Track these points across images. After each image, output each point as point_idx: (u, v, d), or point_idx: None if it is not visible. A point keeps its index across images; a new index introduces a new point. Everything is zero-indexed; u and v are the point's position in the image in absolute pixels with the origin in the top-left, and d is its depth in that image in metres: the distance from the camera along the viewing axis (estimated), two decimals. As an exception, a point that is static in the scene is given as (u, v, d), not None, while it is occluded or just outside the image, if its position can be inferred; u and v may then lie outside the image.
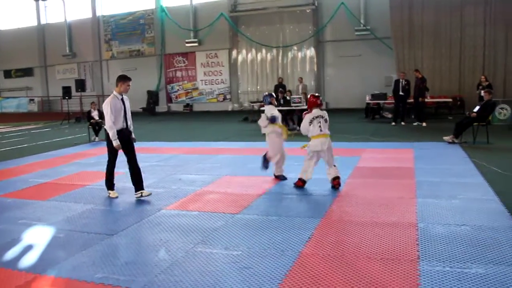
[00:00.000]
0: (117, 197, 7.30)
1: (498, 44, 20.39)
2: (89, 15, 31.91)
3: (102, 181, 8.53)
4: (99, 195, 7.51)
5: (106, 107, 6.99)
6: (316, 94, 7.66)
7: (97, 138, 15.06)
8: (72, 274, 4.36)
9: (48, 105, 34.27)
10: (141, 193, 7.17)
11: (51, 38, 33.24)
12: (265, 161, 8.23)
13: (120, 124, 7.13)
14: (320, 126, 7.20)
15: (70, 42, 32.78)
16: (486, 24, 20.56)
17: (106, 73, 32.04)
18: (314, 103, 7.44)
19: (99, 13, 31.82)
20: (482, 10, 20.51)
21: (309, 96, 7.72)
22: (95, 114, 15.30)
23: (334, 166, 7.25)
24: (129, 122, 7.35)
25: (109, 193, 7.39)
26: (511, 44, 20.26)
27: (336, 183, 7.22)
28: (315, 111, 7.35)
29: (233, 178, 8.49)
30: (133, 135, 7.47)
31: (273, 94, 8.63)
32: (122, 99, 7.19)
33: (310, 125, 7.26)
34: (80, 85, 24.91)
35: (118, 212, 6.53)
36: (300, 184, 7.39)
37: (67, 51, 32.85)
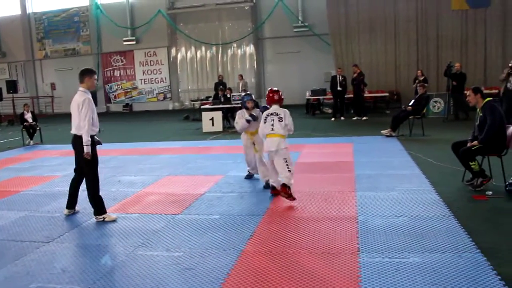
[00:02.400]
0: (116, 219, 6.02)
1: (430, 39, 21.23)
2: (18, 11, 30.45)
3: (37, 186, 8.24)
4: (34, 201, 7.21)
5: (85, 105, 5.95)
6: (275, 89, 6.75)
7: (31, 141, 14.45)
8: (4, 286, 4.15)
9: (-24, 108, 32.57)
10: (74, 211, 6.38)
11: (-23, 37, 31.56)
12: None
13: (96, 128, 6.15)
14: (272, 125, 6.41)
15: (-2, 40, 31.25)
16: (418, 20, 21.36)
17: (40, 73, 30.77)
18: (271, 99, 6.66)
19: (29, 9, 30.45)
20: (414, 6, 21.28)
21: (267, 92, 6.84)
22: (28, 116, 14.69)
23: (289, 171, 6.29)
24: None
25: (104, 217, 5.98)
26: (442, 40, 21.13)
27: (282, 190, 6.24)
28: (273, 108, 6.59)
29: (174, 178, 8.38)
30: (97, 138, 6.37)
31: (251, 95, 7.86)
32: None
33: (264, 122, 6.52)
34: (12, 86, 23.85)
35: (54, 218, 6.27)
36: (275, 191, 6.67)
37: (-4, 50, 31.31)
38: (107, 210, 6.16)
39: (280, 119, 6.42)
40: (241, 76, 20.53)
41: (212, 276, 4.10)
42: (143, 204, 6.70)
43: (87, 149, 5.81)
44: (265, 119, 6.53)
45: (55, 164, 10.54)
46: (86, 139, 5.83)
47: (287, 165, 6.27)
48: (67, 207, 6.34)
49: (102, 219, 5.95)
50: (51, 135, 16.24)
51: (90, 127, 5.89)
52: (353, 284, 3.81)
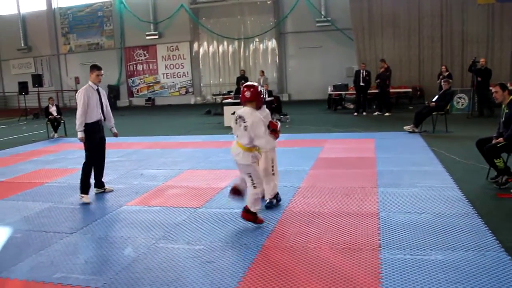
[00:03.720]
0: (90, 203, 6.65)
1: (455, 34, 20.88)
2: (44, 7, 30.89)
3: (61, 179, 8.37)
4: (58, 193, 7.33)
5: (79, 96, 6.77)
6: (249, 84, 5.50)
7: (56, 134, 14.67)
8: (30, 275, 4.23)
9: (3, 101, 33.14)
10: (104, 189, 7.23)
11: (4, 32, 31.95)
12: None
13: (94, 117, 6.87)
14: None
15: (25, 35, 31.67)
16: (442, 14, 21.03)
17: (65, 68, 31.21)
18: (242, 97, 5.36)
19: (55, 5, 30.87)
20: (438, 0, 20.95)
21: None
22: (53, 109, 14.92)
23: (255, 187, 5.18)
24: (107, 115, 7.20)
25: (82, 197, 6.72)
26: (467, 35, 20.77)
27: (242, 215, 5.32)
28: (242, 110, 5.29)
29: (195, 172, 8.43)
30: (114, 130, 7.43)
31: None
32: (98, 90, 7.03)
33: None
34: (37, 80, 24.23)
35: (78, 209, 6.38)
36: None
37: (22, 44, 31.72)
38: (130, 203, 6.29)
39: (246, 128, 5.02)
40: (262, 72, 20.48)
41: (232, 270, 4.12)
42: (164, 197, 6.75)
43: (80, 134, 6.80)
44: (236, 120, 5.24)
45: (78, 156, 10.61)
46: (77, 124, 6.77)
47: (251, 180, 5.16)
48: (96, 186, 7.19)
49: (80, 197, 6.75)
50: (75, 129, 16.41)
51: (78, 114, 6.74)
52: (374, 280, 3.78)
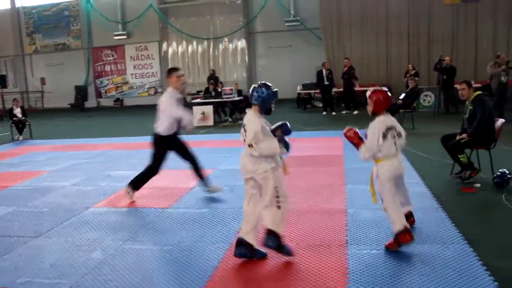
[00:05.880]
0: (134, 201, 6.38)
1: (421, 34, 21.31)
2: (8, 6, 30.13)
3: (26, 182, 8.18)
4: (23, 196, 7.15)
5: (165, 102, 6.12)
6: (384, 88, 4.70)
7: (21, 137, 14.34)
8: (-9, 280, 4.13)
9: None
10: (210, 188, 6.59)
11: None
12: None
13: (172, 130, 6.29)
14: (395, 143, 4.50)
15: (-13, 35, 30.92)
16: (409, 14, 21.43)
17: (30, 68, 30.47)
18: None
19: (18, 4, 30.15)
20: (405, 0, 21.33)
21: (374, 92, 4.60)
22: (18, 111, 14.56)
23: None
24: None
25: (129, 192, 6.41)
26: (433, 34, 21.22)
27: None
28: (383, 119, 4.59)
29: (163, 172, 8.30)
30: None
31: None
32: (181, 100, 6.23)
33: (384, 140, 4.45)
34: (1, 81, 23.70)
35: (43, 212, 6.24)
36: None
37: (-16, 45, 30.97)
38: (98, 205, 6.19)
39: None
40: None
41: (200, 269, 4.10)
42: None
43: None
44: (384, 135, 4.52)
45: (45, 159, 10.48)
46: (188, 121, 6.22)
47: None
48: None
49: (128, 191, 6.38)
50: (41, 130, 16.13)
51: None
52: (340, 276, 3.82)
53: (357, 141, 4.59)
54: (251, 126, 4.11)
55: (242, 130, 4.24)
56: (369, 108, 4.66)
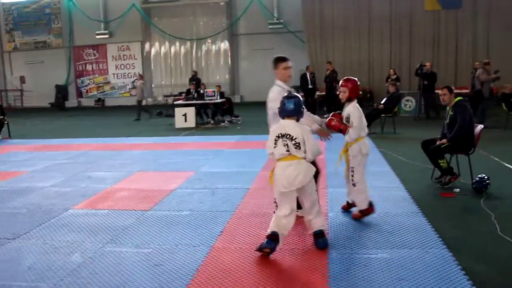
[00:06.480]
0: None
1: (403, 39, 21.56)
2: (-14, 2, 29.68)
3: (4, 182, 8.04)
4: (0, 197, 7.01)
5: (274, 98, 5.01)
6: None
7: (-1, 136, 14.14)
8: (-33, 283, 4.05)
9: None
10: None
11: None
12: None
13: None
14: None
15: (-35, 32, 30.35)
16: (391, 19, 21.66)
17: (9, 66, 29.98)
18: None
19: (-2, 0, 29.74)
20: (387, 5, 21.56)
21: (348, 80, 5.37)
22: (-4, 110, 14.35)
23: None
24: None
25: None
26: (414, 40, 21.47)
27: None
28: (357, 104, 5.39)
29: (145, 174, 8.30)
30: None
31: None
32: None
33: None
34: (-21, 79, 23.30)
35: (21, 214, 6.13)
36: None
37: (-38, 41, 30.41)
38: (77, 207, 6.10)
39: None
40: (140, 75, 20.91)
41: (181, 272, 4.08)
42: (113, 200, 6.61)
43: None
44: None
45: (23, 159, 10.32)
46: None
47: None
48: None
49: None
50: (20, 130, 15.89)
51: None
52: (321, 279, 3.83)
53: (343, 127, 5.30)
54: (310, 134, 4.44)
55: (282, 141, 4.34)
56: (344, 95, 5.33)
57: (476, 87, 13.24)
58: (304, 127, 4.41)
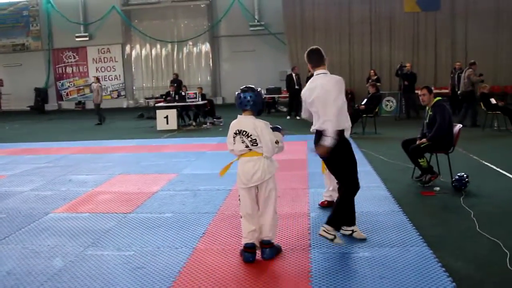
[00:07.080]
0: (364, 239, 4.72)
1: (383, 40, 21.79)
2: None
3: (-19, 186, 7.91)
4: (-22, 201, 6.91)
5: (334, 88, 4.67)
6: None
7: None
8: None
9: None
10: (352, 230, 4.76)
11: None
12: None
13: (343, 124, 4.60)
14: None
15: None
16: (371, 21, 21.87)
17: (-13, 69, 29.60)
18: None
19: (-26, 3, 29.26)
20: (367, 7, 21.77)
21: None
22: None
23: None
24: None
25: (352, 230, 4.72)
26: (394, 41, 21.71)
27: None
28: None
29: (126, 176, 8.24)
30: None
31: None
32: None
33: None
34: (-44, 82, 22.92)
35: (0, 219, 6.04)
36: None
37: None
38: (57, 210, 6.02)
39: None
40: (96, 78, 20.04)
41: (163, 274, 4.05)
42: (94, 203, 6.55)
43: (330, 142, 4.45)
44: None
45: (2, 163, 10.17)
46: (331, 129, 4.45)
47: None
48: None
49: (352, 231, 4.74)
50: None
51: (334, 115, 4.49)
52: (303, 279, 3.85)
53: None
54: (265, 130, 4.23)
55: (240, 138, 4.29)
56: None
57: (467, 88, 13.31)
58: (260, 123, 4.24)
